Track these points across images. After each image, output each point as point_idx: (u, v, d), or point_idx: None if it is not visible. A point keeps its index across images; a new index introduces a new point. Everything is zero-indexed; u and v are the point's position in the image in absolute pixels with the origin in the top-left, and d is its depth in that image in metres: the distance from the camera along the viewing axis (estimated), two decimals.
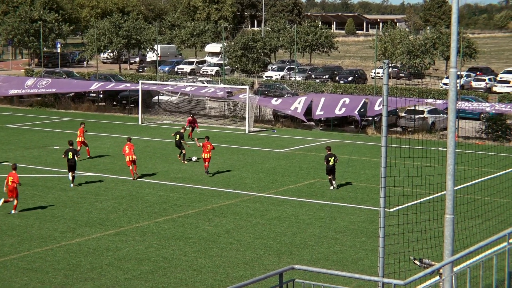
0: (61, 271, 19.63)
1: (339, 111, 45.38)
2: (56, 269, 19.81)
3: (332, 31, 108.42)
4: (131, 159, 30.95)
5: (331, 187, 30.16)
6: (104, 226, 24.04)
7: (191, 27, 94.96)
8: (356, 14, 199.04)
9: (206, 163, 32.48)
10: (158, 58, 79.38)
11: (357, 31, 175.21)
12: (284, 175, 32.74)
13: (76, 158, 30.09)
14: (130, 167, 31.21)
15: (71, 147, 30.50)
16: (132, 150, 31.00)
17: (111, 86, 53.72)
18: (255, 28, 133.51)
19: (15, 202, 25.64)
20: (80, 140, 35.65)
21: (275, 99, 49.20)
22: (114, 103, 55.27)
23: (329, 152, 30.11)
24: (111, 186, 29.81)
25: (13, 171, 25.75)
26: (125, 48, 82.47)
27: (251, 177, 32.20)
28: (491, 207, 25.56)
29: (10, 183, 25.43)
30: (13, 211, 25.55)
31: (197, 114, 51.41)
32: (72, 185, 29.63)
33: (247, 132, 45.65)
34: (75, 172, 30.06)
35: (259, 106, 50.30)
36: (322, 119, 47.47)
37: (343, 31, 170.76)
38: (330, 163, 29.84)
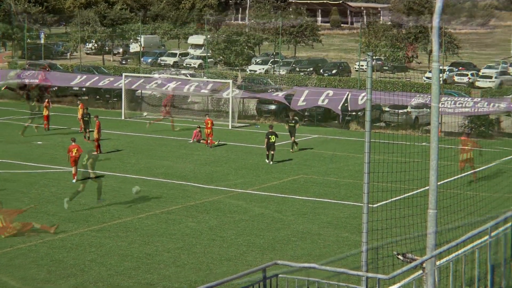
0: (44, 267, 19.54)
1: (322, 102, 45.41)
2: (39, 265, 19.72)
3: (318, 23, 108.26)
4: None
5: (267, 161, 33.94)
6: (88, 222, 23.96)
7: (175, 17, 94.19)
8: (340, 1, 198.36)
9: (210, 138, 37.32)
10: (142, 49, 78.96)
11: (342, 24, 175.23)
12: (268, 171, 32.72)
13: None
14: (97, 143, 35.25)
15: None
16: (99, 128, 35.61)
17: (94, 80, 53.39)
18: (240, 22, 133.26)
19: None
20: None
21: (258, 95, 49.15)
22: (97, 97, 54.94)
23: (270, 130, 34.28)
24: (94, 182, 29.60)
25: (74, 143, 29.31)
26: (109, 38, 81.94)
27: (234, 173, 32.15)
28: (473, 201, 25.67)
29: (75, 154, 28.85)
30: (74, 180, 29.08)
31: (181, 108, 51.26)
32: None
33: (230, 127, 45.56)
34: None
35: (243, 101, 50.15)
36: (306, 113, 47.45)
37: (328, 24, 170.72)
38: (271, 141, 33.75)
